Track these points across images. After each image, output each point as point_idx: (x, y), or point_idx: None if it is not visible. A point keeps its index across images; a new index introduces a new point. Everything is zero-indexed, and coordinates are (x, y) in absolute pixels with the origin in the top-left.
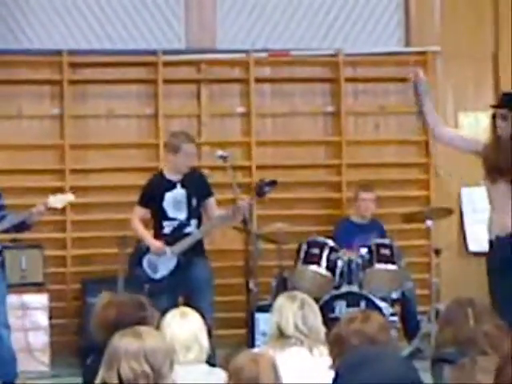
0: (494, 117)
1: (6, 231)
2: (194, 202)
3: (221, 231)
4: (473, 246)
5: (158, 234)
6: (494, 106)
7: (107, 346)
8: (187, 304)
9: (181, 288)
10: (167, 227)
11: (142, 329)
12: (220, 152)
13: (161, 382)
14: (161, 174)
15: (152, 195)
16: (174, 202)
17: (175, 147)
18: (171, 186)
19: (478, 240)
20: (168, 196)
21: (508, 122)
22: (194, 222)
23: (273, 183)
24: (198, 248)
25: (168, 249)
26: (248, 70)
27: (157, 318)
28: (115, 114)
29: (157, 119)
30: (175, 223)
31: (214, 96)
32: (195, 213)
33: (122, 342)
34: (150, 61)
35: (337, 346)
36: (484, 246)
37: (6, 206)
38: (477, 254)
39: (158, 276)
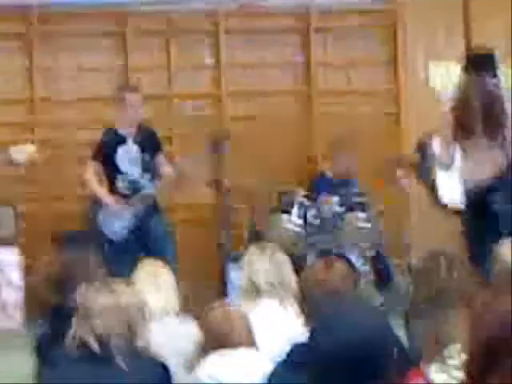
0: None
1: None
2: (147, 156)
3: (193, 184)
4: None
5: (112, 189)
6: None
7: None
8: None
9: (140, 242)
10: (121, 182)
11: (116, 285)
12: (191, 104)
13: (135, 338)
14: (112, 129)
15: (105, 149)
16: (127, 156)
17: (119, 99)
18: (123, 140)
19: (451, 193)
20: (121, 151)
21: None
22: (147, 176)
23: (229, 137)
24: (152, 202)
25: (123, 204)
26: (218, 21)
27: (101, 274)
28: (84, 67)
29: (126, 72)
30: (129, 178)
31: (183, 48)
32: (148, 168)
33: (96, 297)
34: (118, 12)
35: (304, 300)
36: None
37: None
38: (449, 206)
39: (114, 234)
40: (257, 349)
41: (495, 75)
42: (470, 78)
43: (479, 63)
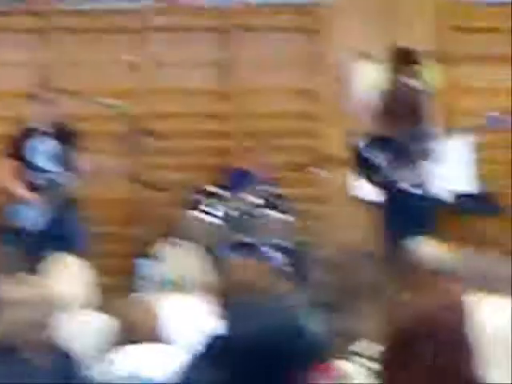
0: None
1: None
2: (63, 152)
3: (107, 180)
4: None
5: (29, 186)
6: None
7: None
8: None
9: (54, 236)
10: (38, 179)
11: (26, 277)
12: (108, 101)
13: (45, 330)
14: (28, 125)
15: (20, 146)
16: (43, 152)
17: (34, 95)
18: (38, 136)
19: (364, 187)
20: (36, 147)
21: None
22: (63, 172)
23: (149, 133)
24: (68, 198)
25: (39, 199)
26: (142, 19)
27: (23, 268)
28: (2, 62)
29: (45, 68)
30: (46, 175)
31: (105, 45)
32: (64, 163)
33: (6, 289)
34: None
35: (219, 296)
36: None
37: None
38: (363, 201)
39: (28, 225)
40: (167, 340)
41: (417, 71)
42: (393, 74)
43: (402, 60)
